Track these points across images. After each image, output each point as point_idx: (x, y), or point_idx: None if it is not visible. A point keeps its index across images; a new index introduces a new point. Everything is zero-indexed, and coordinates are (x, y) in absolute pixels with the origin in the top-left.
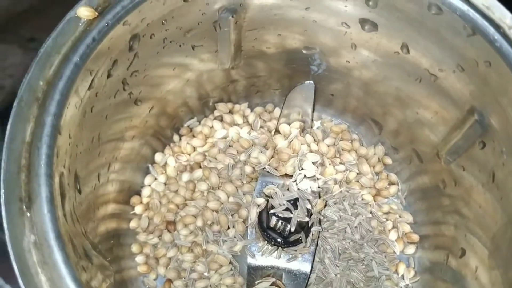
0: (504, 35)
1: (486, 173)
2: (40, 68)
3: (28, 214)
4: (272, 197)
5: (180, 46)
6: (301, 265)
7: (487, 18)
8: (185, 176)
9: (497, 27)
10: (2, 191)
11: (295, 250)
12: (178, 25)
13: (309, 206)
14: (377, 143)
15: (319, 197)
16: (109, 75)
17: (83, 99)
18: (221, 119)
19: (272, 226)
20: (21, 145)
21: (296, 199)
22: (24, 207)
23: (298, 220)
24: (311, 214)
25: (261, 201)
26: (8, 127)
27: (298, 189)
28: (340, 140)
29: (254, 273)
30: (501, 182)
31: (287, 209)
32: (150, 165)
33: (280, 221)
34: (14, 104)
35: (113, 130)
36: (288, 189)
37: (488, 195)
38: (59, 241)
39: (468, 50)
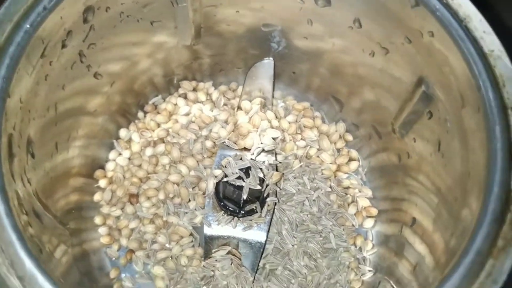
0: (446, 5)
1: (433, 142)
2: None
3: None
4: (226, 167)
5: (138, 21)
6: (257, 234)
7: None
8: (149, 151)
9: None
10: None
11: (251, 220)
12: None
13: (261, 175)
14: (339, 120)
15: (276, 170)
16: (63, 45)
17: (35, 66)
18: (185, 96)
19: (227, 195)
20: None
21: (249, 168)
22: None
23: (250, 188)
24: (266, 184)
25: (218, 172)
26: None
27: (251, 159)
28: (302, 118)
29: (211, 242)
30: (445, 150)
31: (239, 178)
32: (115, 141)
33: (234, 190)
34: None
35: (72, 102)
36: (241, 159)
37: (435, 164)
38: (2, 194)
39: (413, 21)
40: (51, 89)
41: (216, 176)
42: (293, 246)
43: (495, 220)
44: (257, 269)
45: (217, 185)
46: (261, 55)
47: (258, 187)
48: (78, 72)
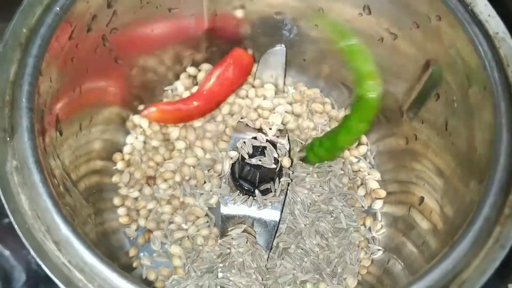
0: None
1: (441, 122)
2: (24, 16)
3: (11, 143)
4: (241, 148)
5: (156, 7)
6: (271, 213)
7: None
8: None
9: None
10: None
11: (265, 199)
12: None
13: (275, 155)
14: (348, 106)
15: (289, 153)
16: (89, 29)
17: (64, 47)
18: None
19: (242, 175)
20: (5, 84)
21: (264, 148)
22: (7, 136)
23: (265, 167)
24: (280, 164)
25: (233, 154)
26: None
27: (267, 140)
28: (312, 103)
29: (227, 221)
30: (453, 129)
31: (253, 156)
32: (129, 125)
33: (250, 169)
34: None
35: (95, 85)
36: (256, 138)
37: (442, 143)
38: (38, 165)
39: (421, 6)
40: (77, 71)
41: (231, 158)
42: (305, 225)
43: (501, 189)
44: (271, 247)
45: (233, 165)
46: (273, 42)
47: (273, 166)
48: (100, 56)
